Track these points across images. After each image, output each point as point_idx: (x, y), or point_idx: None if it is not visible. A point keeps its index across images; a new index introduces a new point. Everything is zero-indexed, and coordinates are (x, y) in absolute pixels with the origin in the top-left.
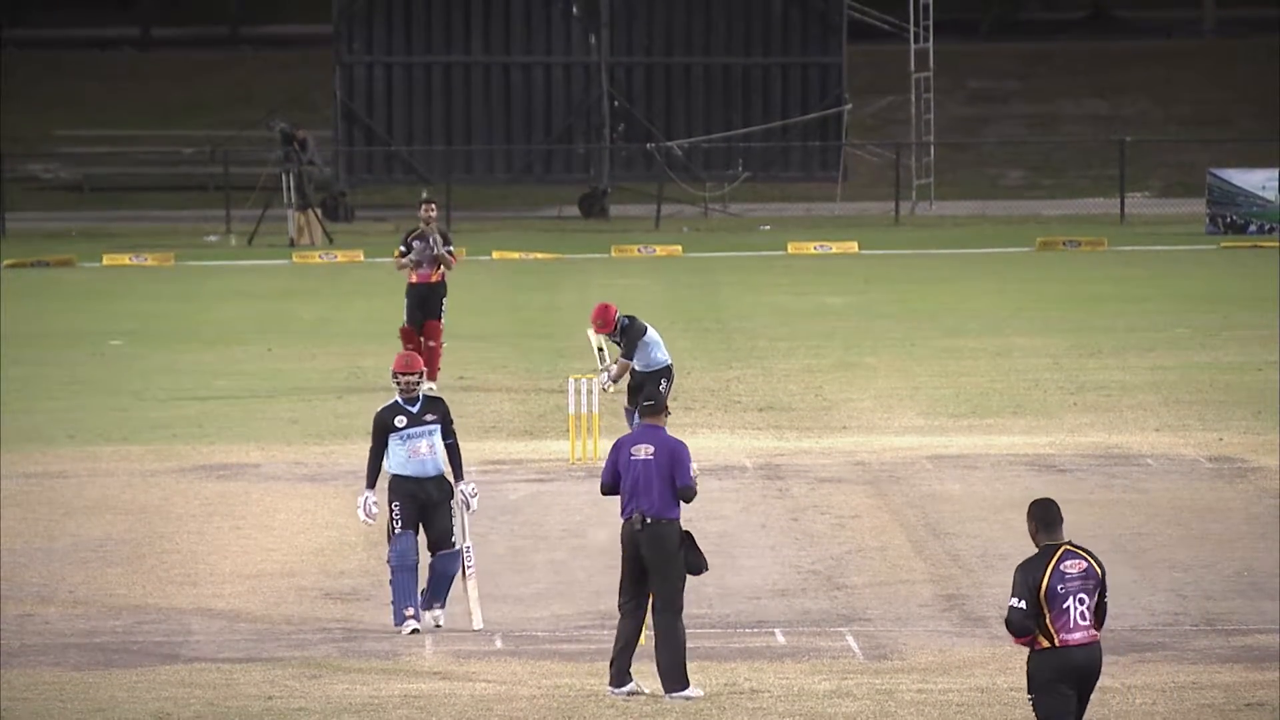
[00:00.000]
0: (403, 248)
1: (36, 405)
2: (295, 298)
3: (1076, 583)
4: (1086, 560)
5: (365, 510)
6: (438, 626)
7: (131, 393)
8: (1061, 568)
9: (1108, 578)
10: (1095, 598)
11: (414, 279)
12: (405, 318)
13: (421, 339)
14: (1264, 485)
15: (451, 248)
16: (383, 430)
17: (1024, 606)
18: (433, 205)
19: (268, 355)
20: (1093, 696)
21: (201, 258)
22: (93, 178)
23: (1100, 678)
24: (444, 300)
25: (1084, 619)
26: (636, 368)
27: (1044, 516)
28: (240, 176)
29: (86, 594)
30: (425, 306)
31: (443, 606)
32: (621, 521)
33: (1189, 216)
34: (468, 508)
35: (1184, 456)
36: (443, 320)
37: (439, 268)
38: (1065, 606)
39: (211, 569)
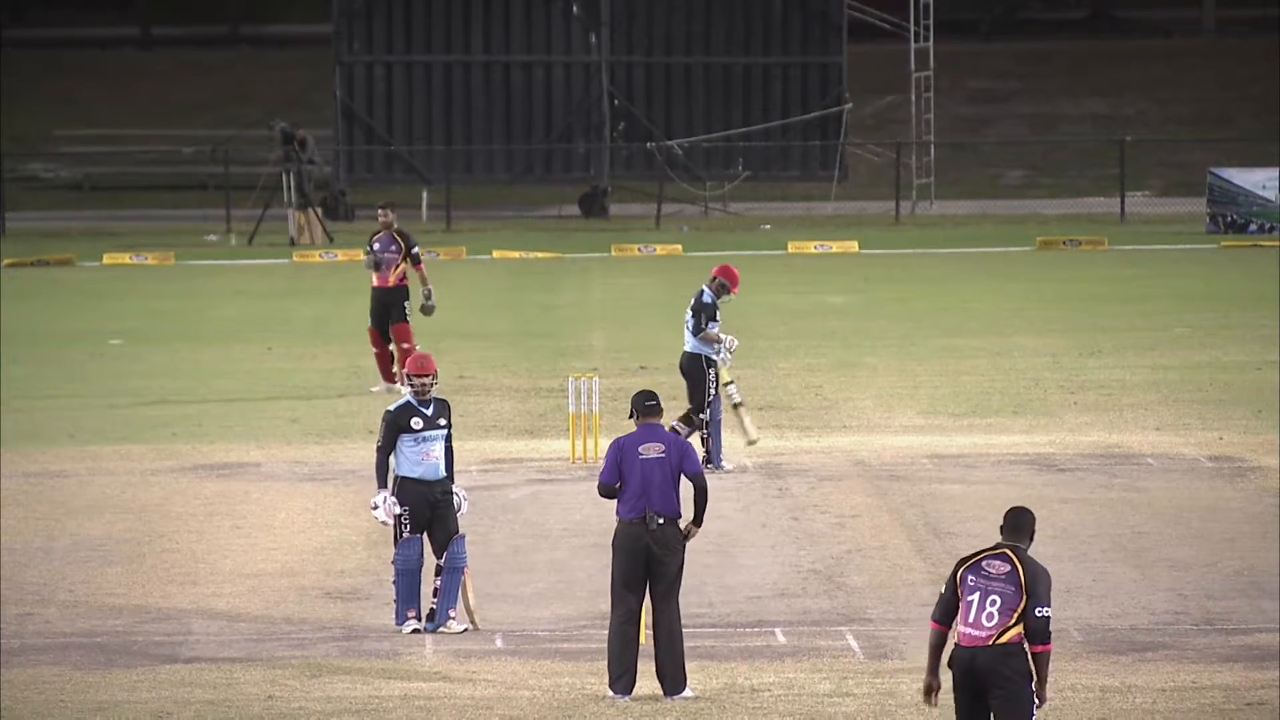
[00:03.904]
0: (366, 248)
1: (36, 405)
2: (295, 297)
3: (995, 582)
4: (1014, 566)
5: (386, 510)
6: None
7: (131, 392)
8: (983, 563)
9: (1040, 590)
10: (1017, 605)
11: (375, 282)
12: (371, 320)
13: (390, 345)
14: (1264, 485)
15: (416, 248)
16: (396, 430)
17: (943, 592)
18: (387, 210)
19: (268, 355)
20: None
21: (201, 257)
22: (93, 178)
23: (1002, 688)
24: (405, 303)
25: (988, 620)
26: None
27: (1007, 521)
28: (240, 176)
29: (86, 594)
30: (388, 312)
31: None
32: (620, 521)
33: (1189, 216)
34: (459, 509)
35: (1184, 456)
36: (409, 321)
37: (396, 269)
38: (970, 600)
39: (211, 569)
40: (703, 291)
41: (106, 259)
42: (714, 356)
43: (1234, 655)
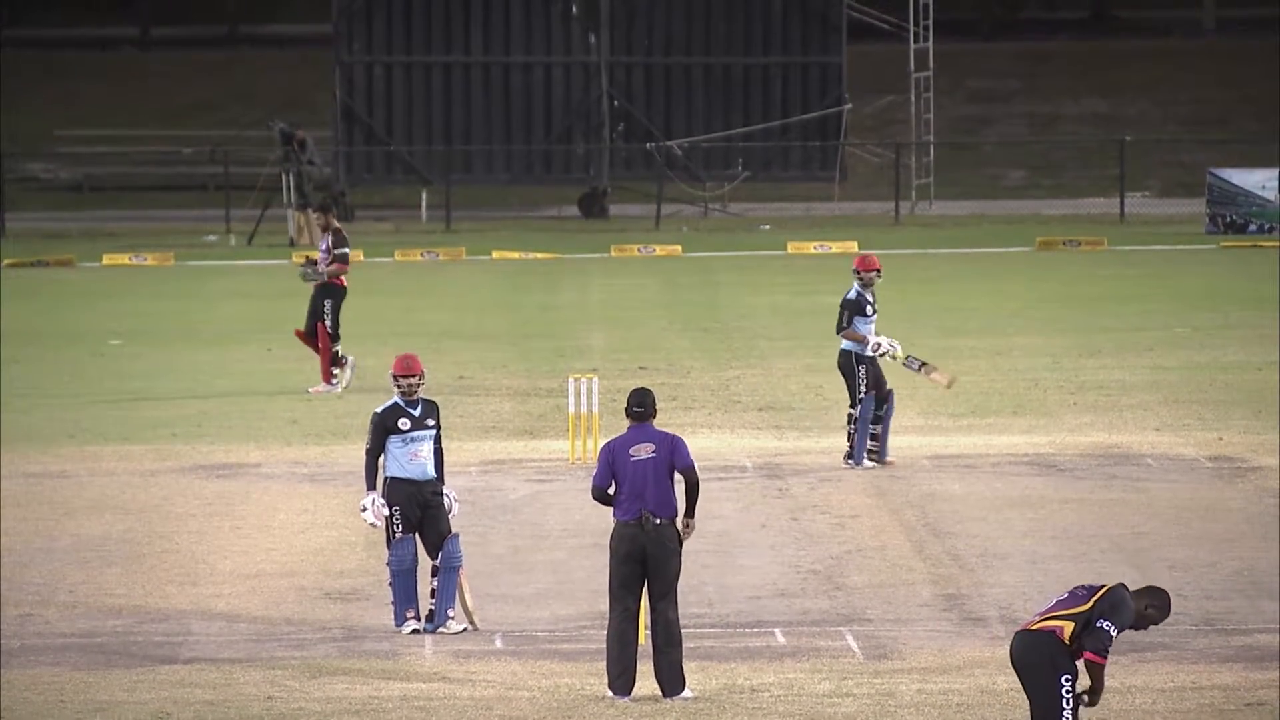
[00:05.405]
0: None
1: (36, 405)
2: (295, 297)
3: (1076, 590)
4: (1090, 588)
5: (375, 513)
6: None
7: (131, 392)
8: (1085, 584)
9: (1113, 610)
10: (1076, 607)
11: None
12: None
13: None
14: (1264, 485)
15: (331, 253)
16: (384, 432)
17: None
18: (317, 212)
19: (268, 355)
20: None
21: (201, 258)
22: (93, 178)
23: (1032, 676)
24: (325, 303)
25: (1041, 610)
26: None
27: (1145, 587)
28: (240, 176)
29: (86, 594)
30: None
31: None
32: (617, 523)
33: (1189, 216)
34: (450, 511)
35: (1184, 456)
36: (325, 323)
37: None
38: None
39: (211, 569)
40: (850, 289)
41: (106, 259)
42: (865, 354)
43: (1233, 656)
